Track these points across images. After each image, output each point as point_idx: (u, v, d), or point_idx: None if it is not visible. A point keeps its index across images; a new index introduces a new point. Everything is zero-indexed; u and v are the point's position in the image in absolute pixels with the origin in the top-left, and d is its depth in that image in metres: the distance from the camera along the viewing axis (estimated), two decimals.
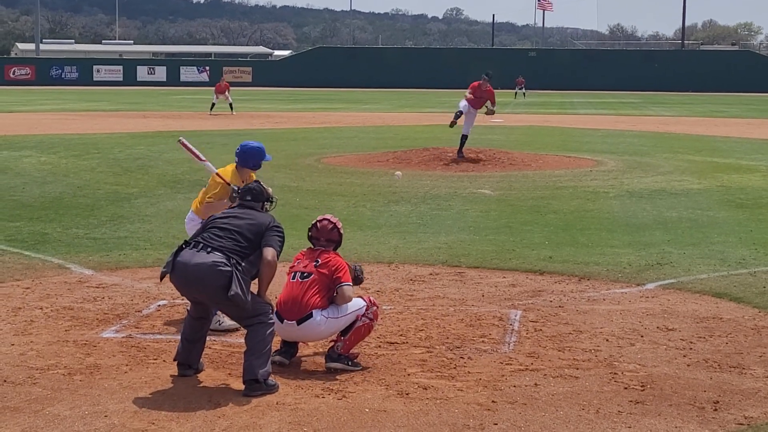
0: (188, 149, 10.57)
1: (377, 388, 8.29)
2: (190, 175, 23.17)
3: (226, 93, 52.06)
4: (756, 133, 41.71)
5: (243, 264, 8.28)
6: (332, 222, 9.16)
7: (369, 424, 7.48)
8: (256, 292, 8.42)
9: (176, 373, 8.58)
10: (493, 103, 27.58)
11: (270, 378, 8.23)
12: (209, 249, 8.27)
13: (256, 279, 8.46)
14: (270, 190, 9.11)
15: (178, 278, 8.32)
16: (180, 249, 8.40)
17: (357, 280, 9.24)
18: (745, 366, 9.02)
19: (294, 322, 8.70)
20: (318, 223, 9.15)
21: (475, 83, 27.34)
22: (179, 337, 8.75)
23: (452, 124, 27.81)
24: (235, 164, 10.16)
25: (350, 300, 8.87)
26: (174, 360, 8.67)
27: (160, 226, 16.42)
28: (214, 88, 54.26)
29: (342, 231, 9.21)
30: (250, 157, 10.14)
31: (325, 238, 9.09)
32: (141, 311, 10.87)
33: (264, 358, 8.21)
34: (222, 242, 8.33)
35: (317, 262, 8.87)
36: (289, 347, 8.96)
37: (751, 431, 7.43)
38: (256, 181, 9.31)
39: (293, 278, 8.86)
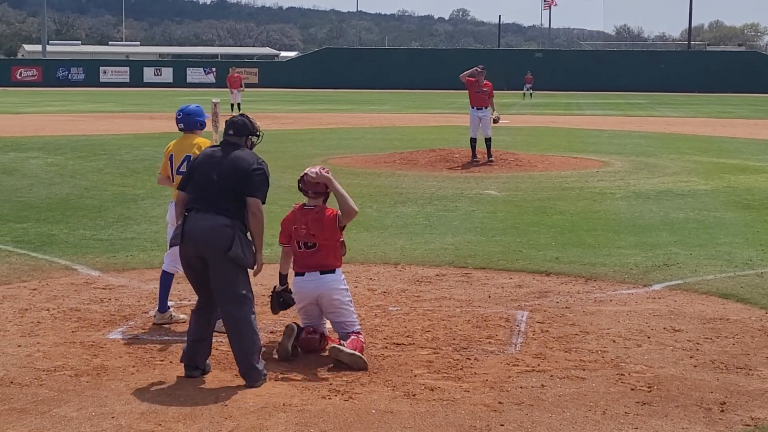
0: (214, 114, 10.58)
1: (384, 390, 8.29)
2: None
3: (240, 88, 51.76)
4: (763, 133, 41.65)
5: (243, 225, 8.37)
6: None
7: (375, 426, 7.48)
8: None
9: (183, 375, 8.59)
10: (490, 96, 27.02)
11: (264, 367, 8.42)
12: (212, 212, 8.30)
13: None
14: (257, 123, 8.87)
15: (188, 243, 8.36)
16: (185, 217, 8.43)
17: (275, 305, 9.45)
18: (752, 367, 9.01)
19: (317, 272, 9.02)
20: (304, 176, 9.21)
21: (471, 80, 26.70)
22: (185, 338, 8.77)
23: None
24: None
25: (354, 211, 9.09)
26: (180, 361, 8.68)
27: (167, 227, 16.41)
28: (228, 84, 53.12)
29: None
30: (196, 116, 10.34)
31: (313, 190, 9.17)
32: (148, 312, 10.87)
33: (254, 348, 8.36)
34: (219, 202, 8.32)
35: (309, 230, 9.05)
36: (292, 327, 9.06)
37: None
38: (241, 113, 9.15)
39: (299, 247, 9.11)
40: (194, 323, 8.63)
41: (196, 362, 8.61)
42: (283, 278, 9.39)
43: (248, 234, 8.45)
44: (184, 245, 8.40)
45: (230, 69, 56.77)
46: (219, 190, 8.35)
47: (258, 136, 8.84)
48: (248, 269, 8.50)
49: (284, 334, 9.07)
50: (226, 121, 8.86)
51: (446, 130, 41.27)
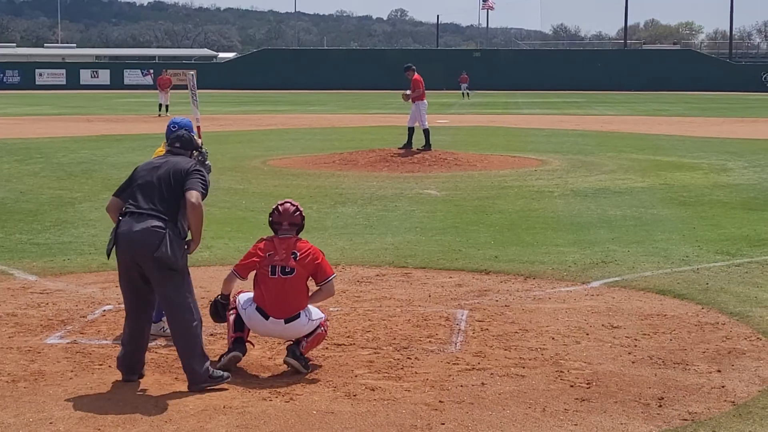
0: (191, 86, 10.55)
1: (325, 390, 8.28)
2: None
3: (168, 89, 51.92)
4: (698, 131, 42.14)
5: (177, 225, 8.28)
6: (294, 205, 9.08)
7: (317, 426, 7.47)
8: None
9: (121, 378, 8.52)
10: (412, 90, 28.54)
11: (214, 370, 8.26)
12: (145, 215, 8.22)
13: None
14: (200, 140, 8.94)
15: (122, 248, 8.26)
16: (118, 222, 8.37)
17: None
18: (689, 362, 9.11)
19: (282, 320, 8.73)
20: (280, 207, 9.03)
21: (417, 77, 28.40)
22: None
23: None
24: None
25: (333, 293, 9.05)
26: (117, 368, 8.61)
27: (105, 231, 16.21)
28: (158, 86, 53.57)
29: (304, 214, 9.15)
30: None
31: (288, 222, 8.99)
32: (86, 316, 10.78)
33: (201, 355, 8.26)
34: (153, 204, 8.25)
35: (295, 255, 8.83)
36: (241, 343, 8.91)
37: (695, 426, 7.50)
38: (186, 129, 9.18)
39: (273, 273, 8.76)
40: (127, 330, 8.55)
41: (132, 367, 8.55)
42: (225, 296, 9.06)
43: (182, 234, 8.36)
44: (119, 251, 8.32)
45: (164, 70, 57.08)
46: (157, 192, 8.30)
47: (201, 152, 9.01)
48: (188, 274, 8.44)
49: (230, 359, 8.84)
50: (172, 135, 8.92)
51: (386, 130, 41.29)
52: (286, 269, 8.78)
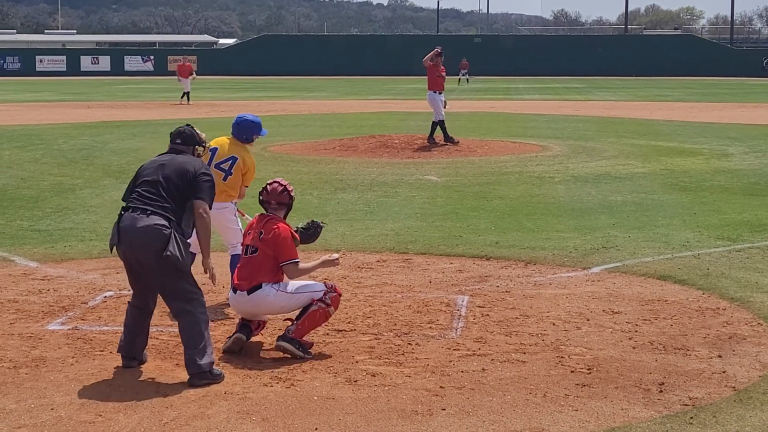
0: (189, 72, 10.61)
1: (325, 376, 8.29)
2: (136, 165, 22.98)
3: (191, 76, 51.77)
4: (698, 116, 42.09)
5: (181, 227, 8.25)
6: (282, 185, 9.14)
7: (318, 412, 7.48)
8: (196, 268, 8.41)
9: (122, 365, 8.53)
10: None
11: (214, 368, 8.22)
12: (149, 212, 8.17)
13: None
14: (203, 135, 8.90)
15: (125, 244, 8.22)
16: (120, 216, 8.34)
17: (307, 237, 9.32)
18: (690, 347, 9.12)
19: (245, 292, 8.78)
20: (268, 186, 9.12)
21: (431, 64, 27.83)
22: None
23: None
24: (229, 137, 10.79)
25: (297, 276, 8.96)
26: (117, 352, 8.61)
27: (106, 217, 16.28)
28: (177, 73, 53.22)
29: (293, 194, 9.21)
30: (243, 130, 10.74)
31: (276, 201, 9.07)
32: (87, 303, 10.79)
33: (204, 349, 8.19)
34: (159, 202, 8.20)
35: (261, 233, 8.87)
36: (246, 327, 8.93)
37: (695, 411, 7.50)
38: (188, 124, 9.15)
39: (245, 253, 8.91)
40: (131, 315, 8.55)
41: (133, 353, 8.54)
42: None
43: (182, 231, 8.33)
44: (121, 246, 8.29)
45: (182, 58, 57.00)
46: (161, 190, 8.24)
47: (204, 147, 8.91)
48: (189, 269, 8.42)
49: (233, 342, 8.90)
50: (174, 130, 8.85)
51: (386, 116, 41.28)
52: (251, 248, 8.88)
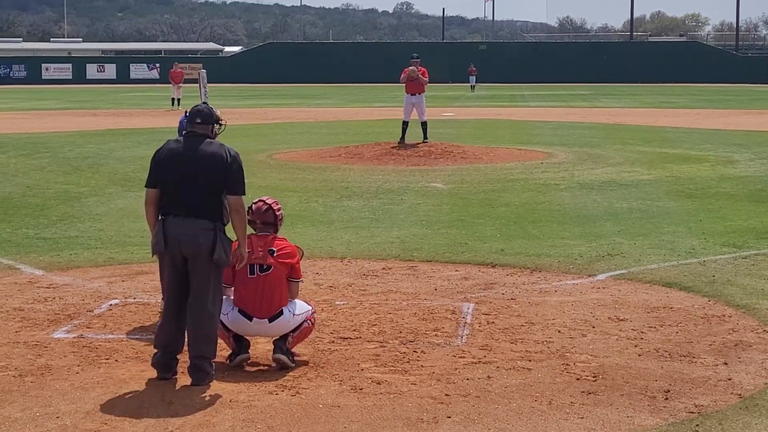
0: (202, 83, 10.55)
1: (331, 384, 8.29)
2: (142, 173, 23.00)
3: (181, 83, 51.97)
4: (704, 123, 42.08)
5: (222, 224, 8.31)
6: (267, 203, 8.98)
7: (323, 420, 7.48)
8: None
9: (128, 373, 8.53)
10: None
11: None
12: (192, 215, 8.20)
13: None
14: (218, 111, 8.72)
15: (173, 250, 8.24)
16: (163, 222, 8.32)
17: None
18: (696, 355, 9.10)
19: (266, 320, 8.70)
20: (253, 205, 8.97)
21: (405, 71, 29.10)
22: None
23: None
24: None
25: (297, 294, 8.98)
26: (152, 365, 8.48)
27: (111, 225, 16.32)
28: (170, 79, 53.60)
29: (279, 213, 9.02)
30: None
31: (261, 220, 8.94)
32: (92, 311, 10.79)
33: (213, 344, 8.31)
34: (199, 202, 8.20)
35: (272, 251, 8.81)
36: (244, 345, 8.91)
37: (701, 419, 7.49)
38: (204, 102, 9.05)
39: (252, 273, 8.73)
40: (166, 330, 8.45)
41: (171, 368, 8.49)
42: None
43: (224, 231, 8.37)
44: (168, 250, 8.29)
45: (174, 64, 57.02)
46: (195, 189, 8.22)
47: (221, 124, 8.70)
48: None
49: (241, 360, 8.82)
50: (191, 109, 8.70)
51: (391, 123, 41.19)
52: (264, 267, 8.76)
